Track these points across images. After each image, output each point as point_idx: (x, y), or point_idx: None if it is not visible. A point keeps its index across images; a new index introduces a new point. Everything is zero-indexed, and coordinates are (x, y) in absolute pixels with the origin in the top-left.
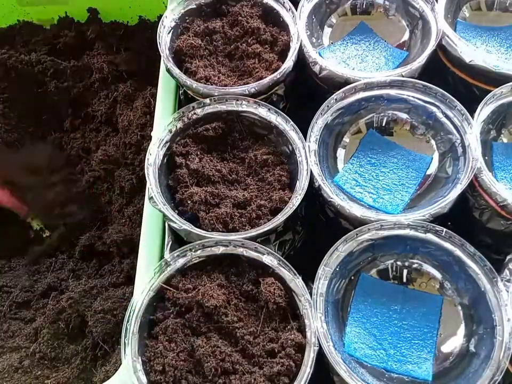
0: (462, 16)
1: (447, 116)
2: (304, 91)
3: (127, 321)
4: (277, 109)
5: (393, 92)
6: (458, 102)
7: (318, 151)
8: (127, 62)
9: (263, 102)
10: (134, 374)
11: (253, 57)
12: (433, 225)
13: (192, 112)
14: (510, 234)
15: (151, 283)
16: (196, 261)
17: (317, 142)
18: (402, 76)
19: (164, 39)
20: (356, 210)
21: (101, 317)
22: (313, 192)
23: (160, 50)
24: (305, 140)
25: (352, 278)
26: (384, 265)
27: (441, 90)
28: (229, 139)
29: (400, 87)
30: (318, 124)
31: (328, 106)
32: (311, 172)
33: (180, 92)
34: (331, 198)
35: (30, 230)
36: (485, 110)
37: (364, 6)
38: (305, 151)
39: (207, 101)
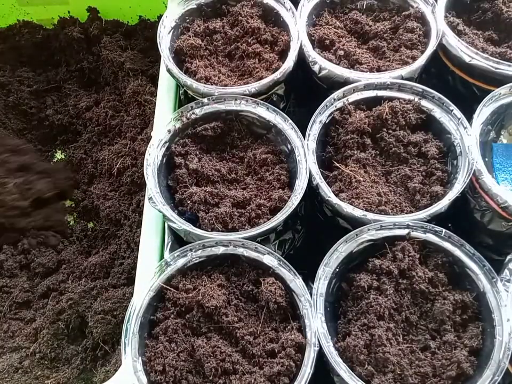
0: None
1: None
2: (304, 91)
3: (128, 321)
4: (275, 108)
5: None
6: (454, 106)
7: (316, 149)
8: (130, 61)
9: (262, 101)
10: (135, 374)
11: (253, 57)
12: (433, 225)
13: (191, 112)
14: (511, 235)
15: (151, 283)
16: (196, 261)
17: (316, 141)
18: (402, 77)
19: (164, 39)
20: (353, 210)
21: (101, 317)
22: (312, 191)
23: (160, 50)
24: (304, 138)
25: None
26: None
27: (438, 94)
28: (228, 138)
29: (398, 90)
30: (317, 122)
31: (327, 105)
32: (310, 170)
33: (180, 91)
34: (328, 197)
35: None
36: (483, 112)
37: None
38: (304, 150)
39: (206, 100)
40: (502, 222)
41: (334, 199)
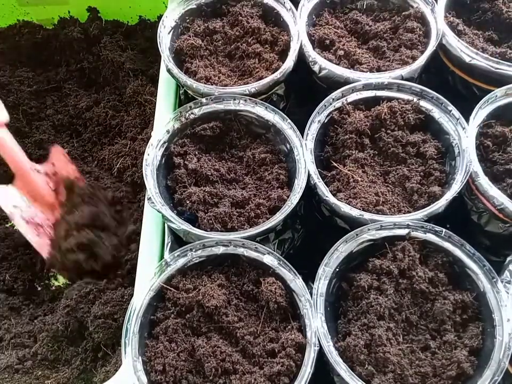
0: None
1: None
2: (304, 91)
3: (128, 321)
4: (274, 108)
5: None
6: (453, 106)
7: (314, 149)
8: (130, 61)
9: (260, 101)
10: (135, 374)
11: (253, 57)
12: (433, 225)
13: (190, 112)
14: (508, 237)
15: (152, 283)
16: (196, 261)
17: (314, 141)
18: (402, 77)
19: (164, 39)
20: (350, 210)
21: (102, 322)
22: (311, 190)
23: (160, 50)
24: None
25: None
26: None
27: (436, 94)
28: (227, 138)
29: (397, 90)
30: (315, 122)
31: (325, 105)
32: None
33: (180, 91)
34: (326, 197)
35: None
36: (480, 114)
37: None
38: (302, 149)
39: (204, 100)
40: (499, 223)
41: (331, 199)
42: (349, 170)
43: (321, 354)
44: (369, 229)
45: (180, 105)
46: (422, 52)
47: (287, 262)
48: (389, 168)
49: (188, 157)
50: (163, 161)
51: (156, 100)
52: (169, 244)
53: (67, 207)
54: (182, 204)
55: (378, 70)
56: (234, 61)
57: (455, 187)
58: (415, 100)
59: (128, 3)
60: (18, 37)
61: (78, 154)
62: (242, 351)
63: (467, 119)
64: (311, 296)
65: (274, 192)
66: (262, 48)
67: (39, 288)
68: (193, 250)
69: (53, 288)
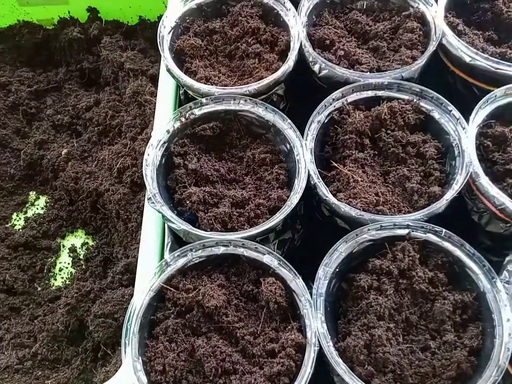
0: None
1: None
2: (304, 91)
3: (128, 321)
4: (274, 108)
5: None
6: (453, 107)
7: (314, 149)
8: (130, 61)
9: (260, 101)
10: (135, 374)
11: (253, 57)
12: (433, 225)
13: (190, 112)
14: (509, 237)
15: (152, 283)
16: (196, 261)
17: (314, 141)
18: (402, 77)
19: (164, 39)
20: (350, 210)
21: (102, 321)
22: (311, 190)
23: (160, 50)
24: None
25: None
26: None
27: (437, 94)
28: (227, 138)
29: (397, 90)
30: (315, 122)
31: (325, 105)
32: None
33: (180, 92)
34: (326, 197)
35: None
36: (479, 114)
37: None
38: (303, 149)
39: (204, 100)
40: (500, 223)
41: (331, 199)
42: (349, 170)
43: (321, 355)
44: (369, 229)
45: (180, 105)
46: (422, 52)
47: (287, 262)
48: (389, 168)
49: (188, 157)
50: (163, 161)
51: (155, 100)
52: (169, 244)
53: None
54: (182, 204)
55: (378, 70)
56: (234, 61)
57: (455, 187)
58: (415, 100)
59: (128, 3)
60: (18, 37)
61: (78, 154)
62: (242, 351)
63: (467, 119)
64: (311, 296)
65: (274, 192)
66: (262, 48)
67: (39, 288)
68: (193, 250)
69: (53, 288)
